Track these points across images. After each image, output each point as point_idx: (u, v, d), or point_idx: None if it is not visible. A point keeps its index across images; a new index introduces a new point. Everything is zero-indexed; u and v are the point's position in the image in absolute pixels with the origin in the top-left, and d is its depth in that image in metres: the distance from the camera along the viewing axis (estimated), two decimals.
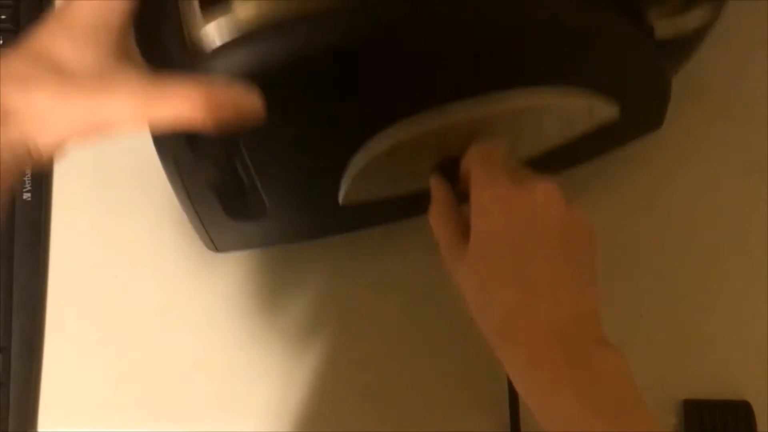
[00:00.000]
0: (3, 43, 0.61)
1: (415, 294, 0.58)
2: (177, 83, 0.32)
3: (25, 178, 0.59)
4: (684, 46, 0.48)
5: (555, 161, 0.51)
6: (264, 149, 0.40)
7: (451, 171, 0.44)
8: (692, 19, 0.45)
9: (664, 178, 0.59)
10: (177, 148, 0.39)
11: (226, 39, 0.34)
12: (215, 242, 0.51)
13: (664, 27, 0.44)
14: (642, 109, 0.50)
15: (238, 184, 0.42)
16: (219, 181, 0.42)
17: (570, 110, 0.46)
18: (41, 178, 0.60)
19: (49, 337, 0.58)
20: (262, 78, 0.33)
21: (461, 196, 0.43)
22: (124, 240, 0.59)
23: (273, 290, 0.58)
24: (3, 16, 0.61)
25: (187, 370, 0.56)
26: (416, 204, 0.45)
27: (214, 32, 0.34)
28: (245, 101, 0.34)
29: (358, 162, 0.43)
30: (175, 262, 0.58)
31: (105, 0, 0.33)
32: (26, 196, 0.59)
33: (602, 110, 0.47)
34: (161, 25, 0.35)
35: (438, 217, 0.42)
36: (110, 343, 0.57)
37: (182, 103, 0.32)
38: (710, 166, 0.59)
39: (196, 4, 0.34)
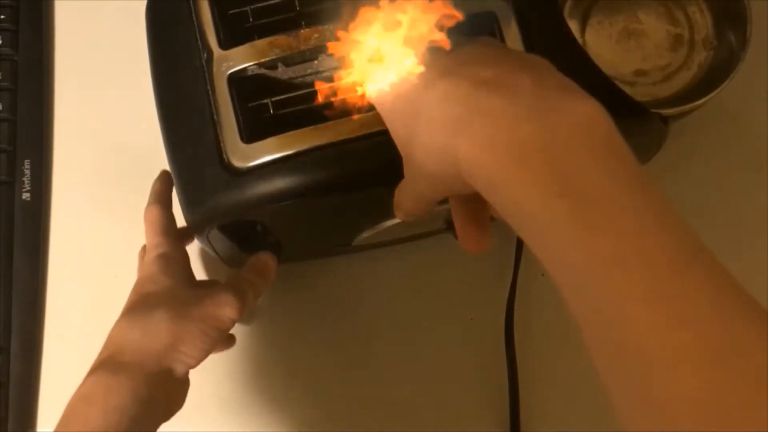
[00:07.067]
0: (3, 42, 0.61)
1: (415, 295, 0.58)
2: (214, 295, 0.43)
3: (25, 178, 0.59)
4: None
5: None
6: (289, 228, 0.49)
7: None
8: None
9: (664, 178, 0.59)
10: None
11: (259, 161, 0.42)
12: (226, 263, 0.52)
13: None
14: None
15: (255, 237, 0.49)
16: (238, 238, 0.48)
17: None
18: (41, 178, 0.60)
19: (49, 337, 0.58)
20: (291, 191, 0.42)
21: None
22: (124, 240, 0.59)
23: (273, 291, 0.58)
24: (3, 16, 0.61)
25: None
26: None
27: (251, 154, 0.42)
28: (266, 275, 0.47)
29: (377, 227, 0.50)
30: None
31: None
32: (26, 196, 0.59)
33: None
34: (197, 150, 0.43)
35: None
36: None
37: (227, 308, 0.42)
38: (710, 166, 0.59)
39: (236, 132, 0.42)
